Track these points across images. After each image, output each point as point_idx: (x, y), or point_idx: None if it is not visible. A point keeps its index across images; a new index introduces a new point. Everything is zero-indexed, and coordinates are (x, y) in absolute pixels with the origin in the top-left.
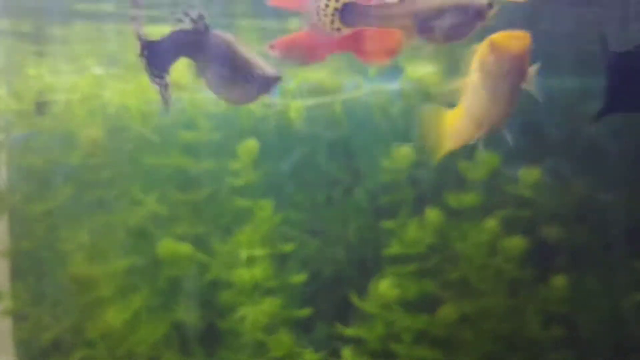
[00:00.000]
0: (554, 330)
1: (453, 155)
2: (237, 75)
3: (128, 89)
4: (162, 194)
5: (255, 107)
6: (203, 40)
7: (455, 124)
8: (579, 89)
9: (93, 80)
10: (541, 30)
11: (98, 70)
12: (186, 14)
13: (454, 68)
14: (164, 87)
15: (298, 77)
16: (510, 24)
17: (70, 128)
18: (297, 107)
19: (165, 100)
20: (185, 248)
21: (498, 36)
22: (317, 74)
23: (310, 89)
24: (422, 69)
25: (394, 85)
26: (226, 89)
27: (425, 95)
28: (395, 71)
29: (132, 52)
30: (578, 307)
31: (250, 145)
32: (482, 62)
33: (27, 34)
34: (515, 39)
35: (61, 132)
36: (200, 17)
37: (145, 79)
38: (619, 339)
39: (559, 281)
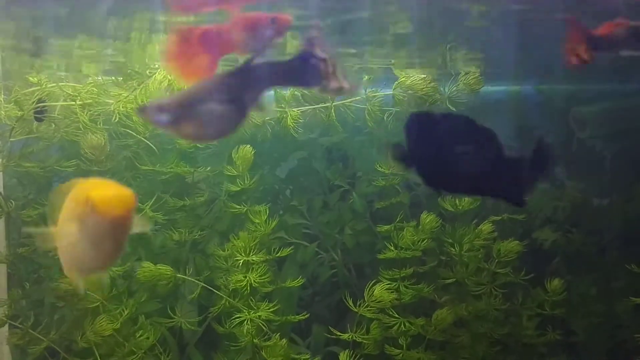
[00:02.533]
0: (549, 334)
1: None
2: None
3: (128, 96)
4: (160, 201)
5: (253, 114)
6: None
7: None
8: (573, 95)
9: (93, 88)
10: (534, 36)
11: (99, 78)
12: None
13: (443, 75)
14: None
15: None
16: (504, 32)
17: (69, 134)
18: (293, 114)
19: None
20: (164, 270)
21: (98, 198)
22: None
23: (306, 96)
24: (414, 76)
25: (387, 92)
26: None
27: (417, 101)
28: (388, 79)
29: (136, 59)
30: (573, 311)
31: (246, 151)
32: (80, 216)
33: (28, 41)
34: (118, 202)
35: (60, 139)
36: None
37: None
38: (615, 343)
39: (554, 285)
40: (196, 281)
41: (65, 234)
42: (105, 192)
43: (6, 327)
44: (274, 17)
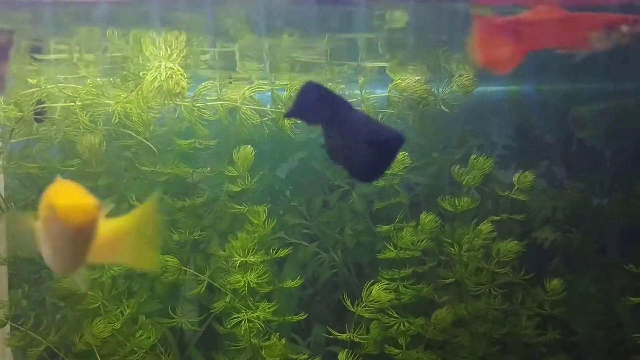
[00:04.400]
0: (549, 333)
1: (447, 160)
2: None
3: (127, 97)
4: (160, 201)
5: (251, 114)
6: None
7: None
8: (572, 94)
9: (93, 89)
10: None
11: (98, 79)
12: None
13: (437, 77)
14: None
15: (290, 86)
16: None
17: (69, 135)
18: None
19: None
20: (171, 261)
21: (60, 205)
22: None
23: None
24: (408, 78)
25: (382, 93)
26: None
27: (411, 102)
28: (383, 80)
29: (132, 61)
30: (573, 311)
31: (247, 151)
32: (45, 221)
33: (26, 43)
34: (80, 211)
35: (60, 140)
36: None
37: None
38: (614, 343)
39: (554, 285)
40: (201, 276)
41: (39, 232)
42: (68, 200)
43: (8, 327)
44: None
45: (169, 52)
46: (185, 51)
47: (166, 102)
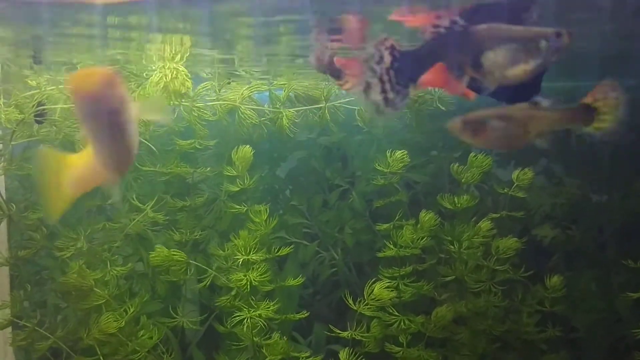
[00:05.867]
0: (549, 330)
1: (446, 158)
2: (519, 50)
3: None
4: (160, 201)
5: (250, 114)
6: (460, 39)
7: (79, 168)
8: (570, 90)
9: None
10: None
11: None
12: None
13: None
14: (405, 96)
15: (287, 87)
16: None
17: (69, 137)
18: (288, 115)
19: (395, 108)
20: (178, 255)
21: (74, 75)
22: (305, 82)
23: (299, 97)
24: None
25: None
26: (513, 67)
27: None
28: None
29: (133, 62)
30: (573, 308)
31: (245, 152)
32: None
33: (26, 45)
34: (87, 77)
35: (60, 141)
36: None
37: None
38: (615, 339)
39: (554, 282)
40: (209, 270)
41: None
42: (79, 71)
43: (9, 328)
44: None
45: (173, 53)
46: (188, 52)
47: (172, 102)
